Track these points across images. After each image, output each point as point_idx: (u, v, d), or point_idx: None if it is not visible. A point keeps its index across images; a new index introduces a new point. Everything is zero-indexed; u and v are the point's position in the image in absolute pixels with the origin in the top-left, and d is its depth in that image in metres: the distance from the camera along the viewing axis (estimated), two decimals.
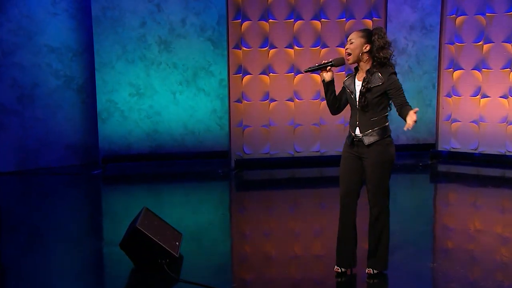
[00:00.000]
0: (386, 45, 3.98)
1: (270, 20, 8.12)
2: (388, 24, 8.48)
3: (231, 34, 8.02)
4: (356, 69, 4.16)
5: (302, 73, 8.19)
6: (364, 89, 4.00)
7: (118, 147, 8.44)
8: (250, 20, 8.07)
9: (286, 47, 8.19)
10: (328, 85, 4.16)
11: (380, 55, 3.97)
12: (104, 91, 8.33)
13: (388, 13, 8.48)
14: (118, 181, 7.97)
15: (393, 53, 4.02)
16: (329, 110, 4.27)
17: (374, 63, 4.02)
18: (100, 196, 7.46)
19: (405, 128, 3.76)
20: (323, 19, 8.20)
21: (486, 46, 8.17)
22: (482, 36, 8.18)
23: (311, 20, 8.20)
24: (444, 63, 8.49)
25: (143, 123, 8.50)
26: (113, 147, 8.43)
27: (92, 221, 6.22)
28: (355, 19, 8.22)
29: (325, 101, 4.24)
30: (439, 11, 8.57)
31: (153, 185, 7.66)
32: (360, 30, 4.11)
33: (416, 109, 3.82)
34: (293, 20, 8.16)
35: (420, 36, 9.06)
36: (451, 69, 8.46)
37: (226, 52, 8.24)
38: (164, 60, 8.45)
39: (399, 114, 3.96)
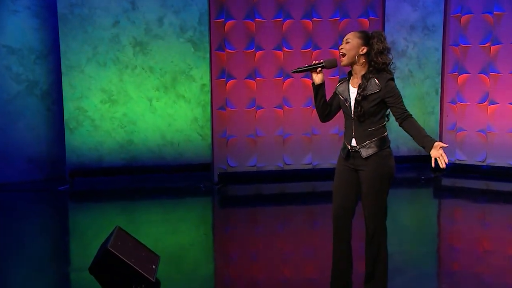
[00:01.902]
0: (385, 51, 4.00)
1: (257, 19, 8.13)
2: (386, 24, 8.53)
3: (213, 34, 8.03)
4: (350, 74, 4.16)
5: (292, 77, 8.22)
6: (360, 97, 4.00)
7: (88, 159, 8.40)
8: (235, 19, 8.08)
9: (274, 49, 8.21)
10: (318, 89, 4.16)
11: (378, 60, 3.98)
12: (72, 97, 8.29)
13: (386, 12, 8.52)
14: (88, 197, 7.93)
15: (392, 60, 4.04)
16: (319, 116, 4.26)
17: (371, 68, 4.02)
18: (67, 214, 7.41)
19: (433, 164, 3.79)
20: (314, 18, 8.23)
21: (494, 48, 8.23)
22: (490, 36, 8.24)
23: (302, 19, 8.22)
24: (448, 66, 8.54)
25: (116, 133, 8.47)
26: (82, 160, 8.39)
27: (58, 242, 6.16)
28: (349, 18, 8.25)
29: (315, 108, 4.24)
30: (442, 10, 8.63)
31: (127, 202, 7.63)
32: (358, 31, 4.12)
33: (444, 145, 3.86)
34: (281, 19, 8.18)
35: (422, 37, 9.11)
36: (456, 73, 8.51)
37: (208, 55, 8.26)
38: (140, 64, 8.43)
39: (404, 128, 4.00)
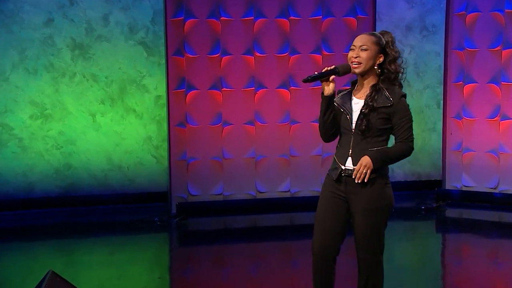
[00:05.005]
0: (398, 56, 4.14)
1: (223, 18, 8.13)
2: (377, 24, 8.58)
3: (170, 36, 8.01)
4: (354, 83, 4.24)
5: (265, 87, 8.24)
6: (367, 109, 4.07)
7: (14, 188, 8.32)
8: (196, 18, 8.07)
9: (243, 54, 8.21)
10: (329, 101, 4.18)
11: (392, 69, 4.11)
12: None
13: (377, 9, 8.57)
14: (14, 235, 7.80)
15: (404, 68, 4.17)
16: (321, 135, 4.29)
17: (382, 77, 4.13)
18: None
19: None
20: (292, 17, 8.25)
21: (506, 52, 8.31)
22: (501, 39, 8.32)
23: (277, 18, 8.24)
24: (452, 74, 8.60)
25: (51, 156, 8.40)
26: (7, 189, 8.30)
27: None
28: (334, 17, 8.30)
29: (319, 124, 4.25)
30: (444, 7, 8.71)
31: (63, 240, 7.53)
32: (371, 34, 4.20)
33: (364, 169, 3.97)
34: (252, 17, 8.19)
35: (420, 39, 9.18)
36: (461, 83, 8.57)
37: (164, 60, 8.24)
38: (80, 71, 8.38)
39: None
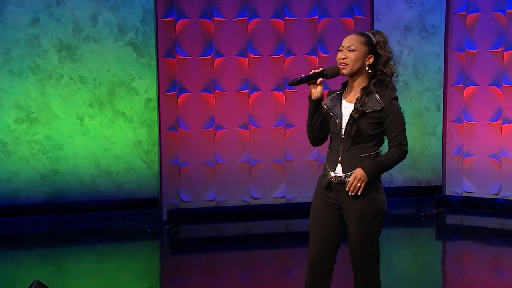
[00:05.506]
0: (391, 57, 4.14)
1: (216, 18, 8.13)
2: (375, 24, 8.59)
3: (161, 36, 8.00)
4: (344, 85, 4.22)
5: (259, 90, 8.23)
6: (357, 114, 4.05)
7: None
8: (188, 18, 8.07)
9: (237, 55, 8.21)
10: (316, 104, 4.18)
11: (387, 71, 4.11)
12: None
13: (375, 9, 8.59)
14: None
15: (397, 69, 4.18)
16: (309, 139, 4.29)
17: (374, 80, 4.11)
18: None
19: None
20: (287, 17, 8.26)
21: (507, 54, 8.32)
22: (503, 40, 8.33)
23: (272, 18, 8.25)
24: (452, 76, 8.61)
25: (37, 161, 8.38)
26: None
27: None
28: (330, 17, 8.30)
29: (307, 127, 4.25)
30: (443, 7, 8.72)
31: (50, 249, 7.51)
32: (360, 34, 4.21)
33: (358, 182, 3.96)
34: (246, 18, 8.19)
35: (419, 40, 9.19)
36: (461, 85, 8.58)
37: (154, 62, 8.22)
38: (67, 73, 8.37)
39: None
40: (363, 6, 8.36)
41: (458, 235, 8.09)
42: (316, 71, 4.14)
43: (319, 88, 4.13)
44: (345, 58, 4.10)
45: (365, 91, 4.08)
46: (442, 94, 8.77)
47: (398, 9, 9.13)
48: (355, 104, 4.08)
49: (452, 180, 8.67)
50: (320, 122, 4.20)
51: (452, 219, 8.39)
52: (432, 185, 9.16)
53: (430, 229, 8.20)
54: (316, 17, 8.29)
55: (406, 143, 4.09)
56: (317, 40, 8.24)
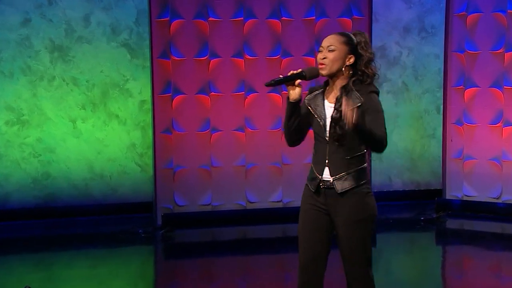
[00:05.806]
0: (373, 58, 4.12)
1: (211, 19, 8.13)
2: (373, 25, 8.59)
3: (155, 37, 8.01)
4: (326, 84, 4.21)
5: (256, 91, 8.22)
6: (338, 114, 4.03)
7: None
8: (183, 18, 8.08)
9: (233, 56, 8.21)
10: (294, 106, 4.17)
11: (369, 72, 4.09)
12: None
13: (373, 10, 8.59)
14: None
15: (379, 68, 4.16)
16: (286, 140, 4.28)
17: (353, 79, 4.09)
18: None
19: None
20: (284, 18, 8.26)
21: (508, 55, 8.33)
22: (503, 41, 8.34)
23: (268, 18, 8.25)
24: (452, 78, 8.61)
25: (28, 164, 8.37)
26: None
27: None
28: (328, 18, 8.30)
29: (284, 128, 4.25)
30: (443, 7, 8.72)
31: (41, 254, 7.52)
32: (340, 34, 4.18)
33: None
34: (242, 18, 8.20)
35: (418, 41, 9.19)
36: (462, 87, 8.58)
37: (148, 63, 8.21)
38: (59, 74, 8.37)
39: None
40: (361, 6, 8.37)
41: (459, 239, 8.09)
42: (295, 72, 4.14)
43: (297, 90, 4.14)
44: (324, 58, 4.09)
45: (345, 89, 4.07)
46: (442, 96, 8.76)
47: (397, 9, 9.13)
48: (335, 104, 4.07)
49: (452, 183, 8.67)
50: (298, 124, 4.18)
51: (452, 224, 8.39)
52: (432, 188, 9.15)
53: (430, 233, 8.20)
54: (314, 17, 8.29)
55: (386, 136, 4.00)
56: (315, 41, 8.23)
